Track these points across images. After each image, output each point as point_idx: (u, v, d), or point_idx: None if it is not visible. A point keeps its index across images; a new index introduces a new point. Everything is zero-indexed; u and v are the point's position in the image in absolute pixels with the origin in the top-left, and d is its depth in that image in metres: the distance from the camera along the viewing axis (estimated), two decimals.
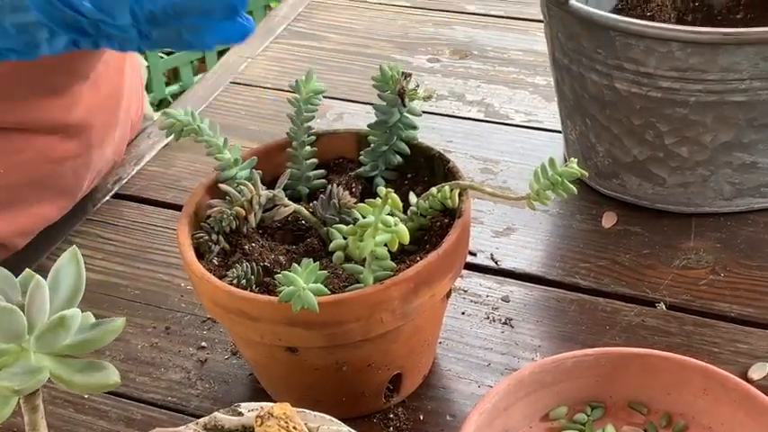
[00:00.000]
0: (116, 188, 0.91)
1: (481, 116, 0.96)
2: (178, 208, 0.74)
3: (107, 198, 0.90)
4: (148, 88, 1.89)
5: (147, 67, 1.90)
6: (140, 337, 0.74)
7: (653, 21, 0.86)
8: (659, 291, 0.73)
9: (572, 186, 0.58)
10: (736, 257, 0.76)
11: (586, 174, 0.58)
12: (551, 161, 0.59)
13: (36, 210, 0.83)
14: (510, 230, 0.82)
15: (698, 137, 0.74)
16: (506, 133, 0.93)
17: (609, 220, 0.81)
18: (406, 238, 0.57)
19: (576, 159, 0.58)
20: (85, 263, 0.81)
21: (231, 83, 1.05)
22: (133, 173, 0.92)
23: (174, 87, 2.00)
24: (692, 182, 0.77)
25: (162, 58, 2.00)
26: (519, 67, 1.03)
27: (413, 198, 0.63)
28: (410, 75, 0.65)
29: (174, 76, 2.11)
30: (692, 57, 0.70)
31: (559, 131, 0.88)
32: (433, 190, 0.62)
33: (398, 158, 0.68)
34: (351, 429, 0.46)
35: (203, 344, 0.73)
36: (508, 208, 0.83)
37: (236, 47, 1.13)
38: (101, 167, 0.90)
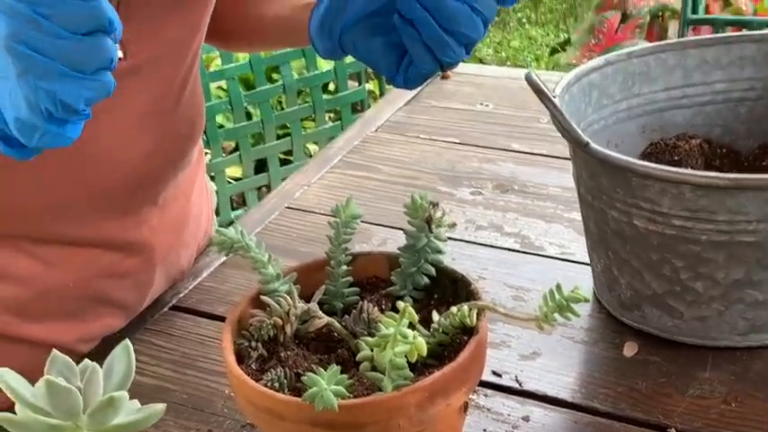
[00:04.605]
0: (173, 301, 1.00)
1: (517, 247, 1.04)
2: None
3: (165, 309, 0.99)
4: (215, 212, 2.01)
5: (216, 191, 2.03)
6: None
7: (680, 165, 0.94)
8: (672, 417, 0.78)
9: (577, 310, 0.65)
10: (748, 390, 0.81)
11: (589, 299, 0.65)
12: (558, 286, 0.66)
13: (99, 320, 0.93)
14: (536, 354, 0.88)
15: (711, 273, 0.81)
16: (540, 264, 1.01)
17: (630, 349, 0.87)
18: (424, 350, 0.64)
19: (581, 286, 0.65)
20: (141, 368, 0.90)
21: (286, 207, 1.16)
22: (190, 287, 1.02)
23: (240, 211, 2.12)
24: (707, 316, 0.83)
25: (230, 183, 2.13)
26: (556, 202, 1.11)
27: (435, 316, 0.71)
28: (437, 204, 0.74)
29: (241, 200, 2.24)
30: (701, 199, 0.77)
31: (589, 264, 0.95)
32: (453, 309, 0.69)
33: (425, 280, 0.75)
34: None
35: None
36: (535, 334, 0.90)
37: (294, 175, 1.24)
38: (162, 285, 0.99)
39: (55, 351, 0.55)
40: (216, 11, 0.91)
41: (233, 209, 2.15)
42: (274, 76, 2.39)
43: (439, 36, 0.77)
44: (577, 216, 1.06)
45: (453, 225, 0.74)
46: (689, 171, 0.78)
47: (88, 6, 0.56)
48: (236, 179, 2.22)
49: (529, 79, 0.82)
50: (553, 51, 3.39)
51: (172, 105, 0.89)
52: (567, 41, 3.19)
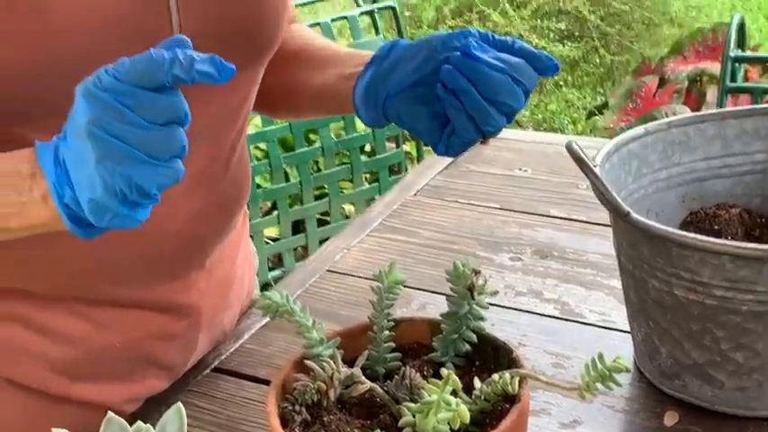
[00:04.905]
0: (216, 363, 1.02)
1: (557, 313, 1.05)
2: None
3: (207, 371, 1.00)
4: None
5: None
6: None
7: (720, 235, 0.95)
8: None
9: (618, 380, 0.66)
10: None
11: (630, 368, 0.66)
12: (600, 356, 0.67)
13: (145, 381, 0.95)
14: (576, 423, 0.88)
15: (752, 344, 0.82)
16: (580, 331, 1.02)
17: (671, 418, 0.87)
18: (466, 417, 0.65)
19: (622, 355, 0.66)
20: None
21: (327, 271, 1.18)
22: (232, 349, 1.04)
23: (277, 272, 2.15)
24: (748, 386, 0.84)
25: (268, 243, 2.16)
26: (596, 269, 1.12)
27: (477, 383, 0.72)
28: (479, 271, 0.76)
29: (277, 260, 2.26)
30: (741, 269, 0.78)
31: (629, 332, 0.95)
32: (495, 376, 0.70)
33: (467, 346, 0.77)
34: None
35: None
36: (576, 402, 0.90)
37: (334, 238, 1.26)
38: (206, 347, 1.01)
39: (110, 413, 0.57)
40: (264, 81, 0.94)
41: (269, 269, 2.17)
42: (312, 136, 2.43)
43: (481, 106, 0.79)
44: (617, 283, 1.07)
45: (495, 293, 0.75)
46: (729, 242, 0.80)
47: (167, 100, 0.60)
48: (274, 239, 2.24)
49: (570, 149, 0.84)
50: (590, 114, 3.41)
51: (220, 171, 0.92)
52: (605, 105, 3.21)
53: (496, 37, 0.83)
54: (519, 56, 0.81)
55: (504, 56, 0.80)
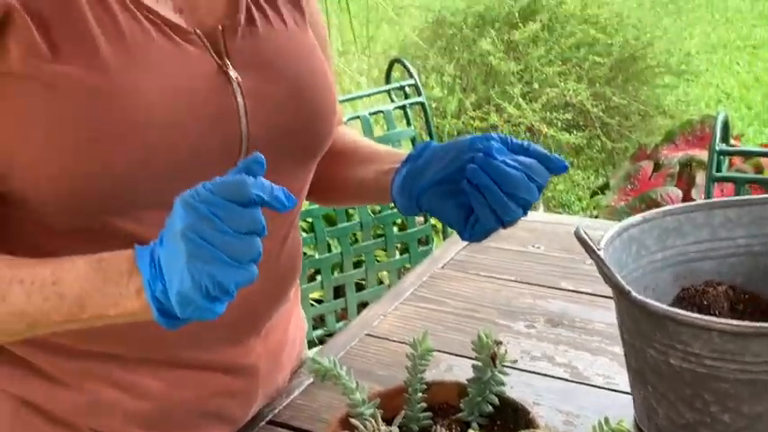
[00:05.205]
0: (269, 416, 1.03)
1: (567, 376, 1.06)
2: None
3: (262, 424, 1.02)
4: None
5: None
6: None
7: (709, 309, 0.96)
8: None
9: None
10: None
11: (631, 429, 0.67)
12: (606, 420, 0.69)
13: None
14: None
15: (738, 407, 0.82)
16: (587, 393, 1.03)
17: None
18: None
19: (625, 416, 0.68)
20: None
21: (366, 335, 1.20)
22: (284, 404, 1.05)
23: (320, 331, 2.16)
24: None
25: (313, 306, 2.18)
26: (601, 336, 1.13)
27: None
28: (501, 342, 0.77)
29: (320, 320, 2.28)
30: (727, 343, 0.79)
31: (630, 393, 0.96)
32: None
33: (490, 408, 0.79)
34: None
35: None
36: None
37: (372, 305, 1.28)
38: (262, 402, 1.03)
39: None
40: (314, 174, 0.98)
41: (313, 328, 2.19)
42: (351, 212, 2.46)
43: (502, 200, 0.82)
44: (620, 350, 1.07)
45: (514, 361, 0.77)
46: (717, 319, 0.81)
47: (251, 214, 0.65)
48: (317, 301, 2.26)
49: (578, 236, 0.86)
50: (593, 193, 3.43)
51: (277, 251, 0.95)
52: (606, 185, 3.23)
53: (514, 140, 0.86)
54: (533, 157, 0.84)
55: (520, 157, 0.84)
